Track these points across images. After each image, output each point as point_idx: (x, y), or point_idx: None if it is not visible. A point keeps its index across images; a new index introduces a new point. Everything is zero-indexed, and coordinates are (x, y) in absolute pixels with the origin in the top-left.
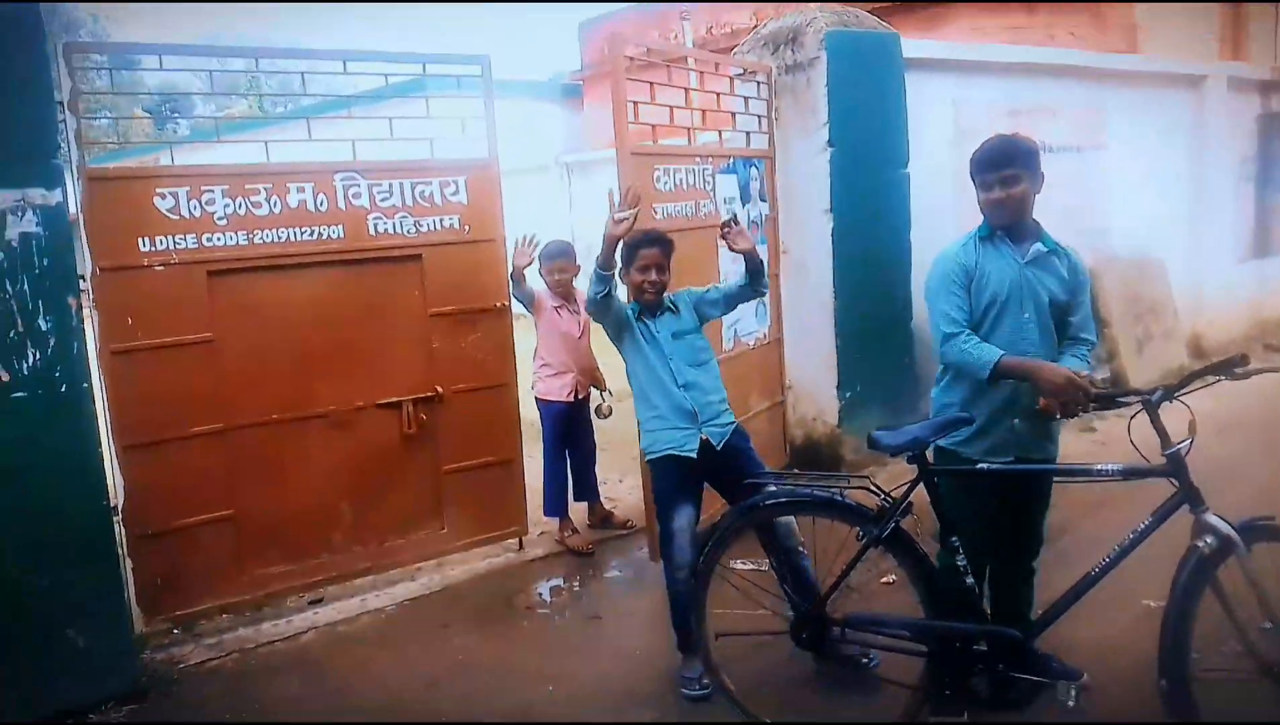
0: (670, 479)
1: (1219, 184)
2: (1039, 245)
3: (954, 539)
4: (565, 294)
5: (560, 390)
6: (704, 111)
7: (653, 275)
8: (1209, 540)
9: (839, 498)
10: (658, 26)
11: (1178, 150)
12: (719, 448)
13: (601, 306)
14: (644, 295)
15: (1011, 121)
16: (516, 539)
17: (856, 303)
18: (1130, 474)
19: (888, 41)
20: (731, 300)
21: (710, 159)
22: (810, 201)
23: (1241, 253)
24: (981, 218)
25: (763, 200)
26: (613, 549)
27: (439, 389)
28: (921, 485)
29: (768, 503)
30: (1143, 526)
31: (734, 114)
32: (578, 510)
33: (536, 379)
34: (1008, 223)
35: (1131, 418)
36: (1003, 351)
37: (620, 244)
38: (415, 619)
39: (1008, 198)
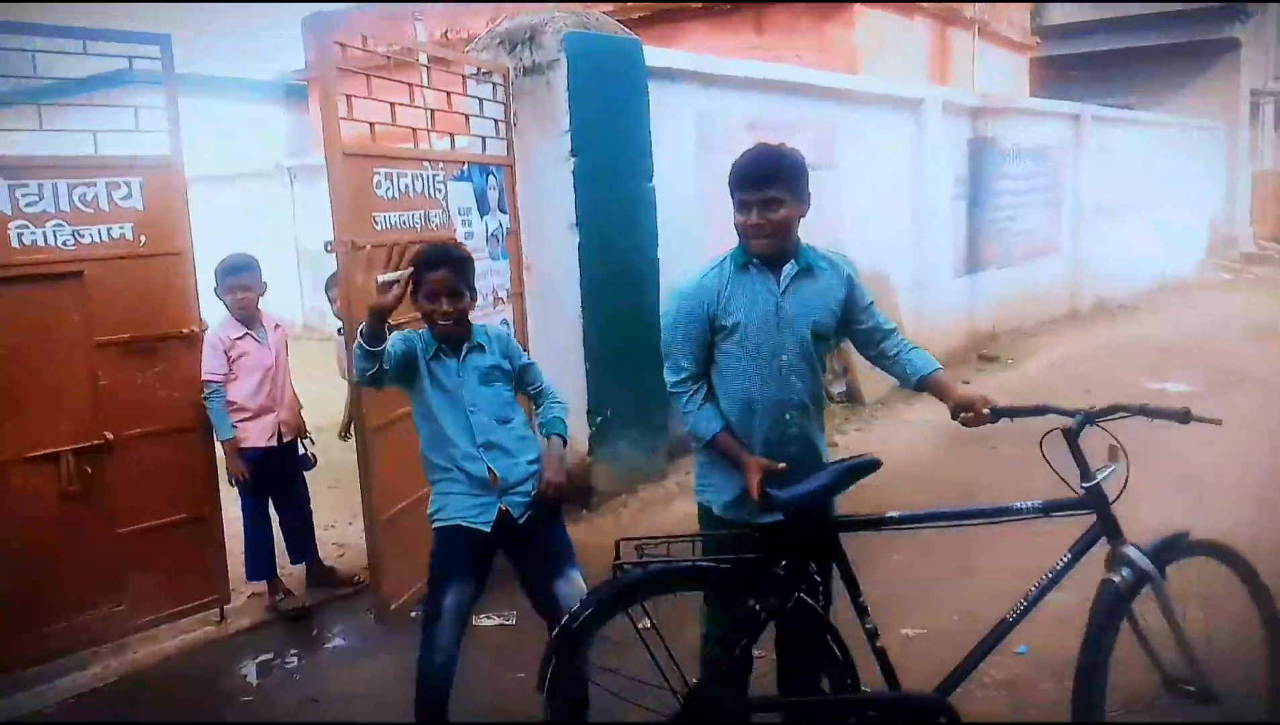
0: (453, 552)
1: (937, 203)
2: (792, 265)
3: (861, 598)
4: (249, 319)
5: (258, 434)
6: (433, 112)
7: (443, 304)
8: (1125, 574)
9: (726, 567)
10: (391, 28)
11: (901, 170)
12: (520, 520)
13: (374, 382)
14: (436, 327)
15: (751, 136)
16: (218, 609)
17: (605, 322)
18: (1051, 509)
19: (630, 47)
20: (532, 393)
21: (441, 164)
22: (554, 214)
23: (957, 268)
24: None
25: (503, 211)
26: (336, 612)
27: (109, 435)
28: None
29: (646, 580)
30: (1060, 565)
31: (468, 116)
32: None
33: (235, 424)
34: (767, 252)
35: (1042, 438)
36: (722, 425)
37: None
38: (82, 721)
39: (766, 224)
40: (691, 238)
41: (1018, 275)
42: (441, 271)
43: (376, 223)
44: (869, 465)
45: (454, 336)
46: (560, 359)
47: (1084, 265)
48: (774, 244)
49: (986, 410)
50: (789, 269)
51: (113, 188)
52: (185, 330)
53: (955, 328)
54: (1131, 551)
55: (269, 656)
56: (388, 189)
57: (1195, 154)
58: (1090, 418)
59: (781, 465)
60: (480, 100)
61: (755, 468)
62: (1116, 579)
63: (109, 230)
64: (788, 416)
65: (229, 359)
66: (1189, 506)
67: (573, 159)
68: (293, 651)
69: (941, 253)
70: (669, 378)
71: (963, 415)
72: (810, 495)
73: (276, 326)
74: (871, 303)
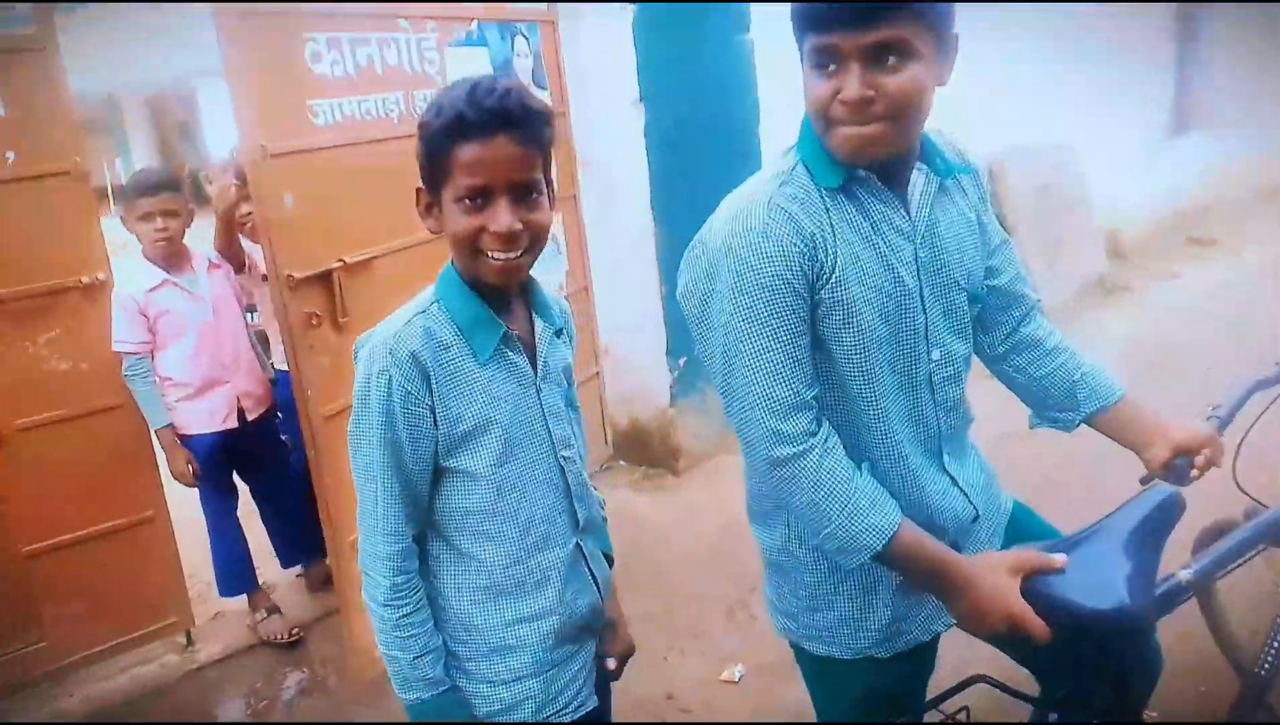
0: None
1: (1139, 45)
2: (924, 175)
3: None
4: (172, 260)
5: (207, 416)
6: None
7: (509, 216)
8: None
9: None
10: None
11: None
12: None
13: None
14: (492, 271)
15: None
16: (184, 633)
17: (687, 228)
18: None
19: None
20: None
21: (431, 24)
22: (613, 86)
23: (1160, 131)
24: (809, 131)
25: (540, 85)
26: (337, 629)
27: None
28: None
29: None
30: None
31: None
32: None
33: (169, 407)
34: (876, 158)
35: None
36: (898, 514)
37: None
38: None
39: (877, 98)
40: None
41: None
42: (500, 140)
43: (315, 115)
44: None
45: (510, 296)
46: (629, 282)
47: None
48: (891, 141)
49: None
50: (921, 183)
51: None
52: (87, 278)
53: (1159, 204)
54: None
55: (244, 700)
56: (333, 62)
57: None
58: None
59: (1061, 559)
60: None
61: (1014, 568)
62: None
63: None
64: (953, 456)
65: (147, 320)
66: None
67: (632, 5)
68: (282, 688)
69: (1141, 110)
70: (766, 424)
71: (1182, 466)
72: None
73: (213, 266)
74: (1007, 241)
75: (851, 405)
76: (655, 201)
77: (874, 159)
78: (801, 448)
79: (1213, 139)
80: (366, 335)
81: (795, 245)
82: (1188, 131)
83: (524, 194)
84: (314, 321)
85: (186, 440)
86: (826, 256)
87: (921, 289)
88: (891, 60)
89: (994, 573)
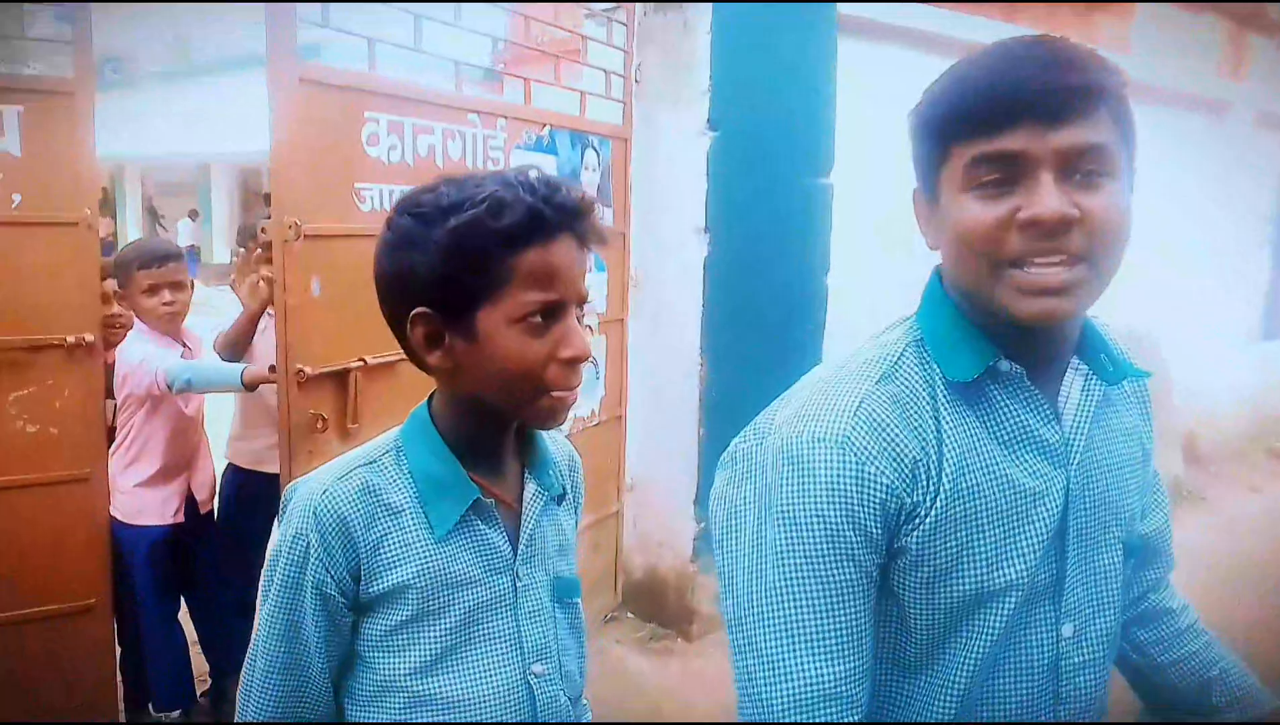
0: None
1: (1238, 243)
2: (1087, 377)
3: None
4: (175, 332)
5: (160, 505)
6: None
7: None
8: None
9: None
10: None
11: (1185, 195)
12: None
13: None
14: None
15: None
16: None
17: (736, 371)
18: None
19: None
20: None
21: (503, 119)
22: (678, 211)
23: (1251, 333)
24: (938, 295)
25: (605, 202)
26: None
27: None
28: None
29: None
30: None
31: (558, 56)
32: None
33: (115, 490)
34: (1060, 319)
35: None
36: None
37: None
38: None
39: (1076, 219)
40: (882, 265)
41: None
42: (572, 244)
43: (361, 199)
44: None
45: (504, 446)
46: (667, 417)
47: None
48: (1090, 294)
49: None
50: (1078, 387)
51: None
52: (72, 338)
53: (1240, 410)
54: None
55: None
56: (390, 147)
57: None
58: None
59: None
60: (586, 39)
61: None
62: None
63: None
64: None
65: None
66: None
67: (710, 134)
68: None
69: (1234, 312)
70: (763, 715)
71: None
72: None
73: (187, 348)
74: (1157, 473)
75: (921, 690)
76: (705, 335)
77: (1066, 318)
78: None
79: None
80: (303, 480)
81: (884, 474)
82: (1277, 337)
83: (579, 310)
84: (320, 426)
85: (133, 531)
86: (926, 492)
87: (1065, 535)
88: (1092, 173)
89: None
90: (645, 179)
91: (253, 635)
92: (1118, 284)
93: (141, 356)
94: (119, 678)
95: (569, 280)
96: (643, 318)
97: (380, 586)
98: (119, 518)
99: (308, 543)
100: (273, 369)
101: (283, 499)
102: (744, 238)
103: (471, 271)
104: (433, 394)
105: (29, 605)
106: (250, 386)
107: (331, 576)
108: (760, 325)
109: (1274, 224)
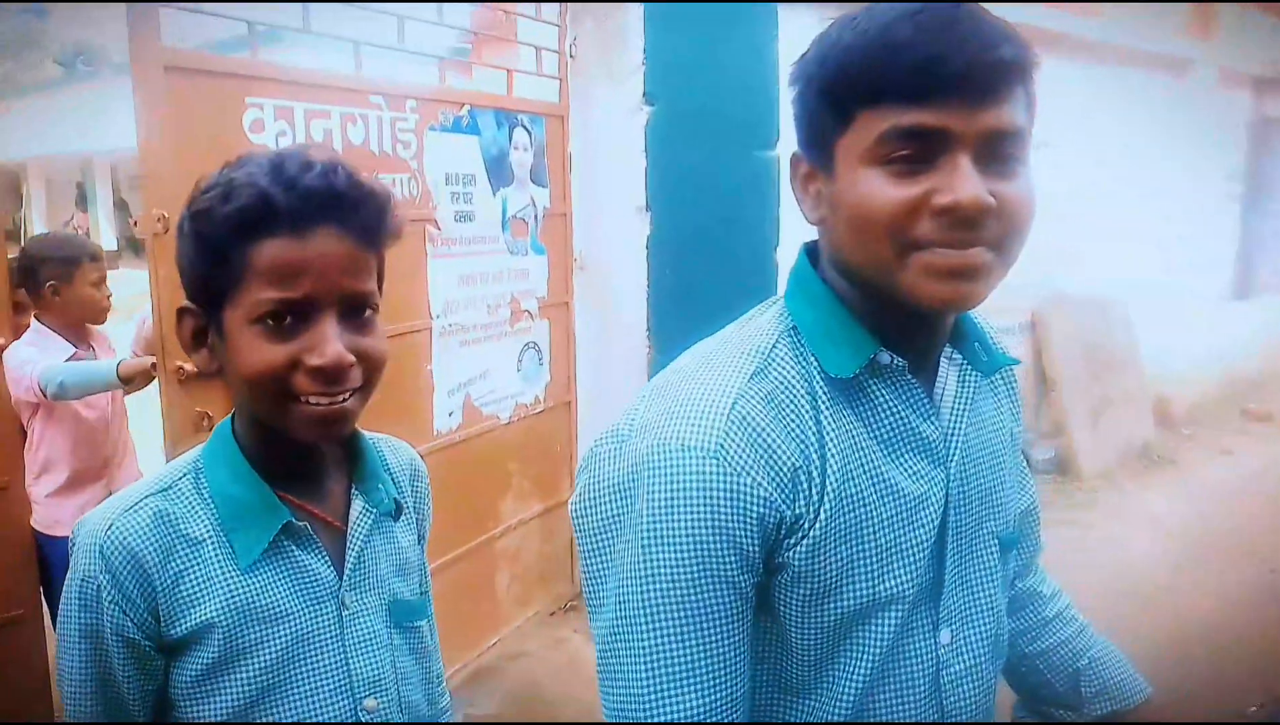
0: None
1: (1204, 203)
2: (961, 367)
3: None
4: (85, 336)
5: (76, 515)
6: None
7: (326, 351)
8: None
9: None
10: None
11: (1150, 157)
12: None
13: None
14: (301, 424)
15: None
16: None
17: (684, 348)
18: None
19: None
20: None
21: (412, 100)
22: (618, 189)
23: (1221, 294)
24: (807, 278)
25: (539, 183)
26: None
27: None
28: None
29: None
30: None
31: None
32: None
33: (32, 500)
34: (974, 303)
35: None
36: None
37: None
38: None
39: (994, 204)
40: None
41: None
42: (324, 235)
43: None
44: None
45: (320, 460)
46: (615, 403)
47: None
48: (990, 284)
49: None
50: (953, 379)
51: None
52: None
53: (1209, 372)
54: None
55: None
56: (279, 133)
57: None
58: None
59: None
60: (515, 16)
61: None
62: None
63: None
64: None
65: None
66: None
67: (646, 109)
68: None
69: (1201, 274)
70: None
71: None
72: None
73: (111, 349)
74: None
75: (807, 712)
76: (653, 317)
77: (974, 305)
78: None
79: (1276, 307)
80: (89, 514)
81: (760, 486)
82: (1248, 297)
83: (354, 311)
84: (205, 423)
85: (52, 542)
86: (808, 503)
87: (943, 537)
88: (1010, 159)
89: None
90: (584, 157)
91: (63, 694)
92: (1085, 246)
93: (21, 359)
94: (53, 690)
95: (322, 277)
96: (590, 299)
97: (183, 628)
98: (39, 529)
99: (98, 585)
100: (155, 365)
101: (70, 538)
102: (688, 215)
103: (208, 264)
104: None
105: None
106: (127, 381)
107: (131, 619)
108: (709, 304)
109: (1243, 181)
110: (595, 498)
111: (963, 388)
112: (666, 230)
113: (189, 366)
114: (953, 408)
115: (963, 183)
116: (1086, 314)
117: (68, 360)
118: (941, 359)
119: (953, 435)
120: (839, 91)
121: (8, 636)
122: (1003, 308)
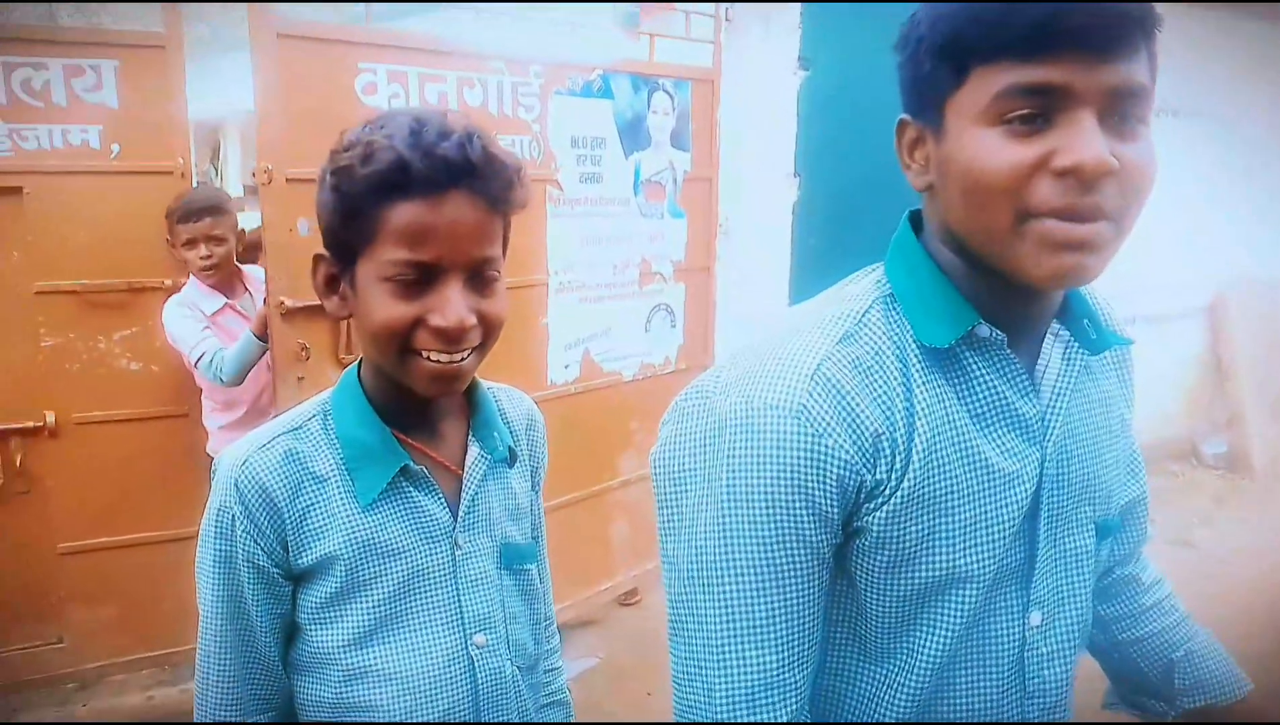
0: None
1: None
2: (1068, 345)
3: None
4: (227, 283)
5: None
6: None
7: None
8: None
9: None
10: None
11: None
12: None
13: None
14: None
15: None
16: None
17: None
18: None
19: None
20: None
21: (536, 66)
22: (766, 155)
23: None
24: (909, 244)
25: (679, 148)
26: None
27: (49, 417)
28: None
29: None
30: None
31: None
32: None
33: (210, 432)
34: (1089, 278)
35: None
36: None
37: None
38: None
39: (1111, 168)
40: None
41: None
42: (456, 201)
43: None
44: None
45: (437, 410)
46: None
47: None
48: (1108, 256)
49: None
50: (1058, 356)
51: (72, 73)
52: (170, 281)
53: None
54: None
55: None
56: (392, 96)
57: None
58: None
59: None
60: None
61: None
62: None
63: (64, 132)
64: None
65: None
66: None
67: (801, 73)
68: None
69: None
70: (699, 708)
71: None
72: None
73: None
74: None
75: (882, 677)
76: (795, 283)
77: (1089, 281)
78: None
79: None
80: (228, 449)
81: (842, 448)
82: None
83: (478, 275)
84: (303, 354)
85: None
86: (891, 469)
87: (1037, 517)
88: (1132, 119)
89: None
90: (733, 122)
91: (200, 616)
92: (1272, 228)
93: (175, 336)
94: None
95: (451, 242)
96: (732, 266)
97: (309, 558)
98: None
99: (232, 515)
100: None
101: (211, 469)
102: (837, 181)
103: (345, 219)
104: None
105: (136, 531)
106: (264, 337)
107: (261, 548)
108: (852, 271)
109: None
110: (677, 450)
111: (1067, 366)
112: (814, 196)
113: (290, 301)
114: (1054, 386)
115: (1086, 143)
116: (1267, 298)
117: (214, 313)
118: (1047, 335)
119: (1052, 414)
120: (954, 47)
121: (180, 550)
122: (1182, 286)
